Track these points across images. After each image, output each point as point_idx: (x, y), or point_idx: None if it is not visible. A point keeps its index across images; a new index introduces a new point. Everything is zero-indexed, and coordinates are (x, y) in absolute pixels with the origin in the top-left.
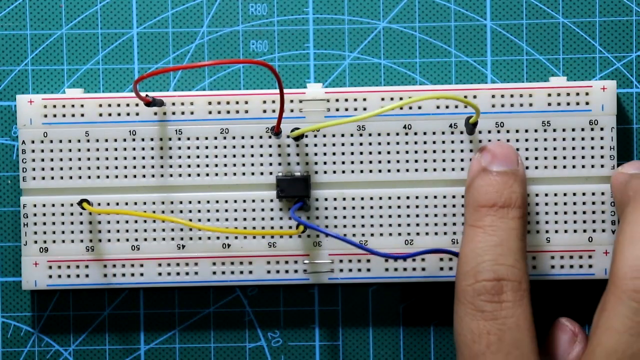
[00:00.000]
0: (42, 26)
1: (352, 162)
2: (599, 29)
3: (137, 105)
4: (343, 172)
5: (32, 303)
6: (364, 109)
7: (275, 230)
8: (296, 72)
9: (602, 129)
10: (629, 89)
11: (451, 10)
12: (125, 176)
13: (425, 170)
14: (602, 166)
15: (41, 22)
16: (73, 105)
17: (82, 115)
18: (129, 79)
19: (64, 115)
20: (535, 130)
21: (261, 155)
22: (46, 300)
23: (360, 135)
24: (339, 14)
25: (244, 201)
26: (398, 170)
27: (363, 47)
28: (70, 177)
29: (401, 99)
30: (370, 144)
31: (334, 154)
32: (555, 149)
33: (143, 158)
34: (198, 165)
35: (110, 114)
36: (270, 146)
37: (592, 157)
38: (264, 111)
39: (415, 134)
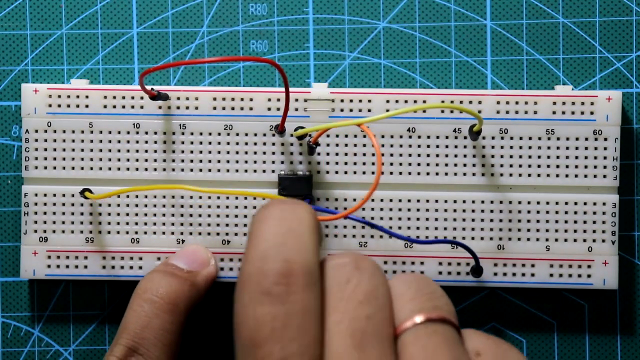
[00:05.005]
0: (42, 26)
1: (355, 163)
2: (599, 29)
3: (141, 98)
4: (345, 172)
5: (32, 303)
6: (369, 110)
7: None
8: (296, 72)
9: (606, 139)
10: (629, 89)
11: (451, 10)
12: (128, 169)
13: (428, 173)
14: (604, 176)
15: (41, 22)
16: (78, 96)
17: (87, 106)
18: (129, 79)
19: (68, 106)
20: (539, 138)
21: (264, 153)
22: (46, 300)
23: (364, 136)
24: (339, 14)
25: (245, 198)
26: (400, 173)
27: (363, 47)
28: (73, 168)
29: (406, 101)
30: (373, 145)
31: (337, 154)
32: (558, 157)
33: (146, 151)
34: (201, 161)
35: (114, 106)
36: (273, 144)
37: (595, 167)
38: (269, 109)
39: (419, 137)
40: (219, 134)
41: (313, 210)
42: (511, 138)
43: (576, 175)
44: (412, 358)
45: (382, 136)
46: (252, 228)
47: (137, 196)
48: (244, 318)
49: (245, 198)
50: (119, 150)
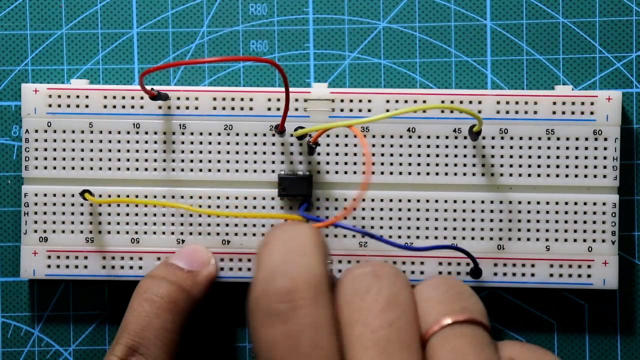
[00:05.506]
0: (42, 26)
1: (355, 163)
2: (599, 29)
3: (141, 98)
4: (345, 172)
5: (32, 303)
6: (369, 110)
7: (279, 214)
8: (296, 72)
9: (605, 139)
10: (629, 89)
11: (451, 10)
12: (128, 169)
13: (428, 173)
14: (604, 176)
15: (41, 22)
16: (78, 96)
17: (87, 106)
18: (129, 79)
19: (68, 106)
20: (539, 138)
21: (264, 153)
22: (46, 300)
23: (364, 136)
24: (339, 14)
25: (245, 198)
26: (400, 173)
27: (363, 47)
28: (73, 168)
29: (406, 102)
30: (373, 145)
31: (337, 154)
32: (558, 157)
33: (146, 151)
34: (201, 161)
35: (114, 106)
36: (273, 144)
37: (595, 167)
38: (269, 109)
39: (419, 137)
40: (219, 134)
41: (314, 228)
42: (511, 138)
43: (576, 175)
44: None
45: (382, 136)
46: (257, 254)
47: (137, 196)
48: (258, 342)
49: (245, 198)
50: (119, 150)
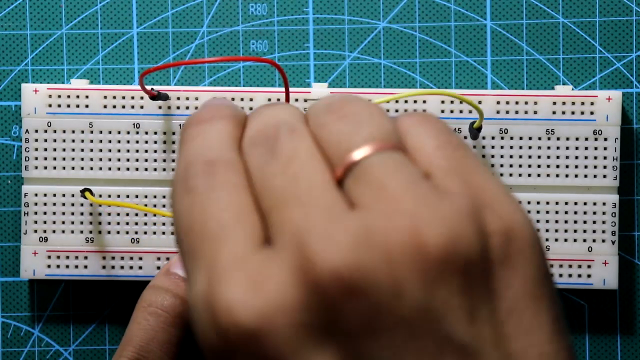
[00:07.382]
0: (42, 26)
1: None
2: (599, 29)
3: (141, 98)
4: None
5: (32, 303)
6: None
7: None
8: (296, 72)
9: (606, 139)
10: (629, 89)
11: (451, 10)
12: (128, 169)
13: None
14: (604, 176)
15: (41, 22)
16: (78, 96)
17: (87, 106)
18: (129, 79)
19: (68, 106)
20: (539, 138)
21: None
22: (46, 300)
23: None
24: (339, 14)
25: None
26: None
27: (363, 47)
28: (73, 168)
29: (406, 102)
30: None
31: None
32: (558, 157)
33: (146, 151)
34: None
35: (114, 106)
36: None
37: (595, 167)
38: None
39: None
40: None
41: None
42: (511, 138)
43: (576, 175)
44: None
45: None
46: None
47: (137, 196)
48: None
49: None
50: (119, 150)
